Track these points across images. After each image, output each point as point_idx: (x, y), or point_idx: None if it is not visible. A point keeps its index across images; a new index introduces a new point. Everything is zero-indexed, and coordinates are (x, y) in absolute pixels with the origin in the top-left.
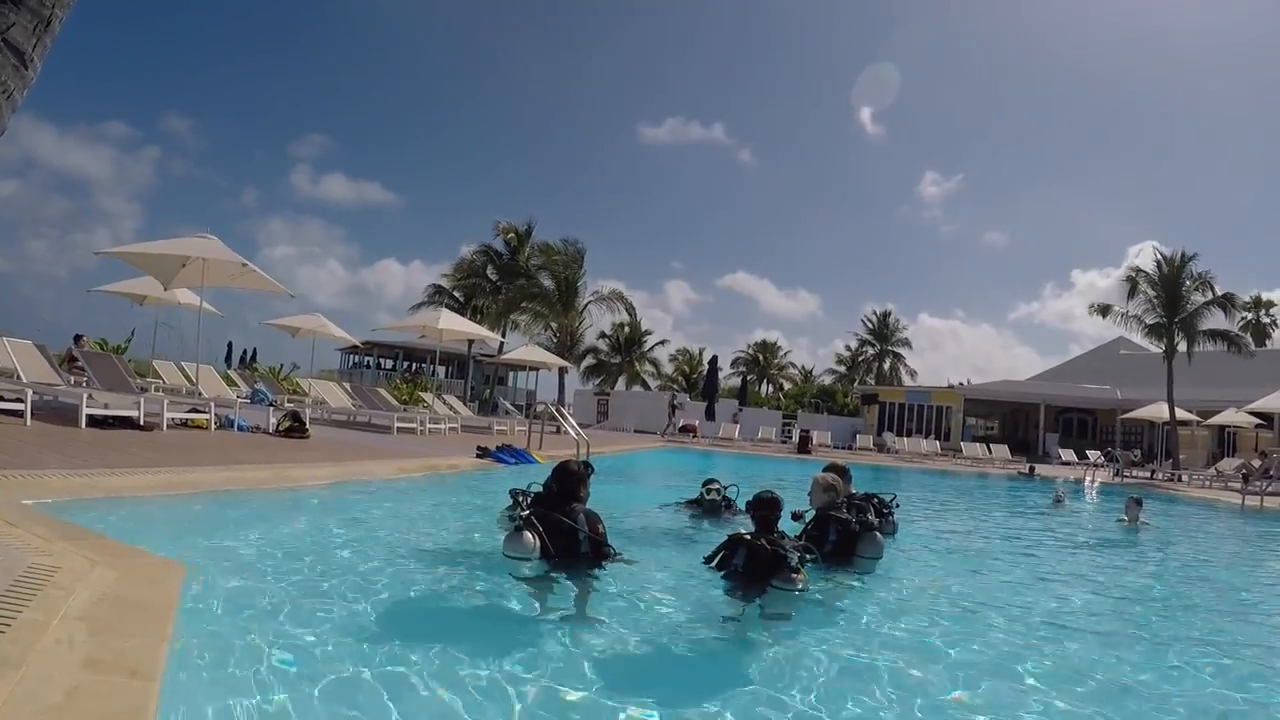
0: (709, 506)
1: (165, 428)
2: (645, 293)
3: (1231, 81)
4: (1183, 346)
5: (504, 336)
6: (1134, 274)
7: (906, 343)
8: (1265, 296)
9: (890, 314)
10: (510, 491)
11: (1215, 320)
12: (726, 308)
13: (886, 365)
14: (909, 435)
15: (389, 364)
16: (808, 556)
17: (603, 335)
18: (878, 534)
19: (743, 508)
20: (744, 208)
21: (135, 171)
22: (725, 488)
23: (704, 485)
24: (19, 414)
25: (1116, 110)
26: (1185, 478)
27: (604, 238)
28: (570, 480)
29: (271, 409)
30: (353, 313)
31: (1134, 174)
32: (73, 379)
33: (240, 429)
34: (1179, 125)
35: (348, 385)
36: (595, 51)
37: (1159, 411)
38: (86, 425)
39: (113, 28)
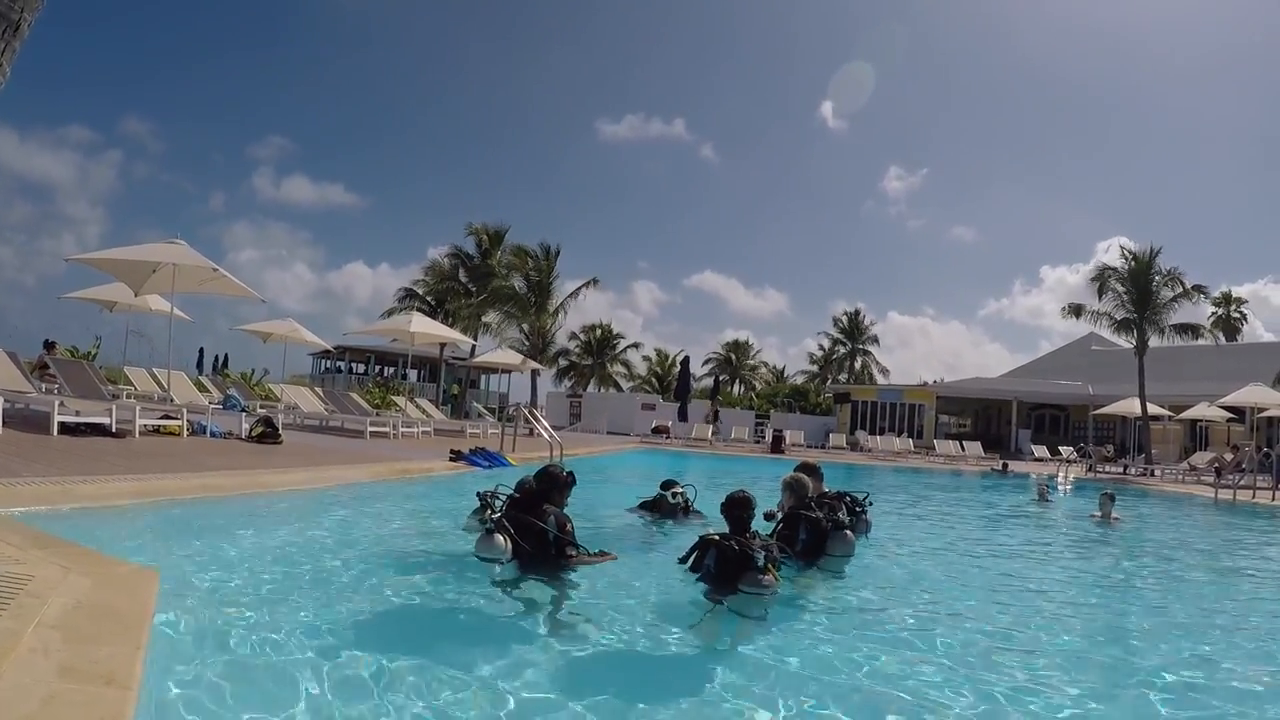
0: (667, 509)
1: (138, 434)
2: (613, 293)
3: (1198, 79)
4: (1154, 341)
5: (475, 339)
6: (1103, 271)
7: (875, 339)
8: (1234, 292)
9: (860, 312)
10: (478, 494)
11: (1184, 314)
12: (695, 307)
13: (858, 364)
14: (882, 434)
15: (361, 368)
16: (779, 556)
17: (574, 336)
18: (848, 532)
19: (700, 509)
20: (708, 205)
21: (98, 176)
22: (683, 489)
23: (661, 487)
24: None
25: (1082, 105)
26: (1158, 472)
27: (569, 237)
28: (550, 482)
29: (244, 415)
30: (322, 316)
31: (1101, 169)
32: (44, 386)
33: (213, 435)
34: (1147, 121)
35: (320, 390)
36: (553, 49)
37: (1131, 407)
38: (58, 433)
39: (69, 29)
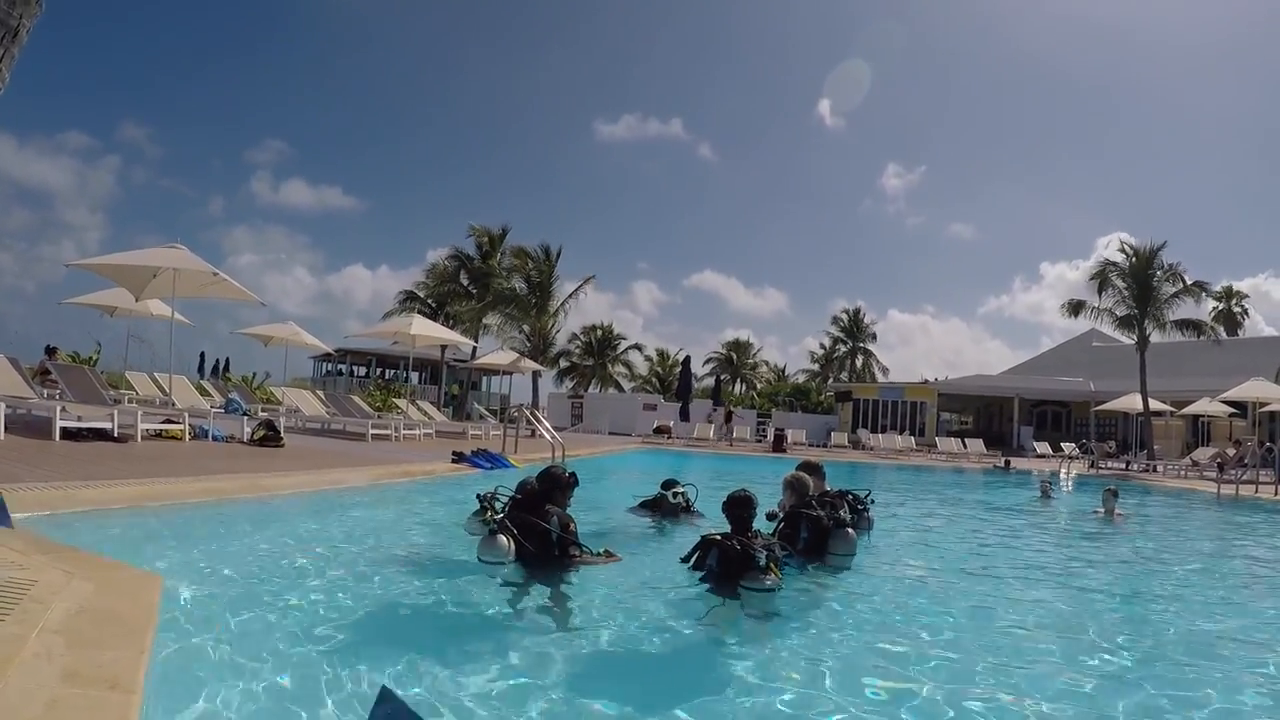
0: (668, 509)
1: (139, 439)
2: (613, 294)
3: (1196, 73)
4: (1155, 337)
5: (477, 341)
6: (1103, 267)
7: (873, 337)
8: (1235, 286)
9: (860, 310)
10: (477, 495)
11: (1186, 310)
12: (695, 307)
13: (859, 362)
14: (884, 431)
15: (362, 371)
16: (781, 555)
17: (574, 337)
18: (850, 530)
19: (701, 509)
20: (707, 205)
21: (97, 182)
22: (684, 488)
23: (662, 486)
24: None
25: (1081, 101)
26: (1160, 468)
27: (568, 238)
28: (553, 483)
29: (246, 418)
30: (322, 320)
31: (1101, 165)
32: (46, 392)
33: (215, 439)
34: (1146, 116)
35: (321, 393)
36: (551, 49)
37: (1132, 403)
38: (60, 438)
39: (65, 34)
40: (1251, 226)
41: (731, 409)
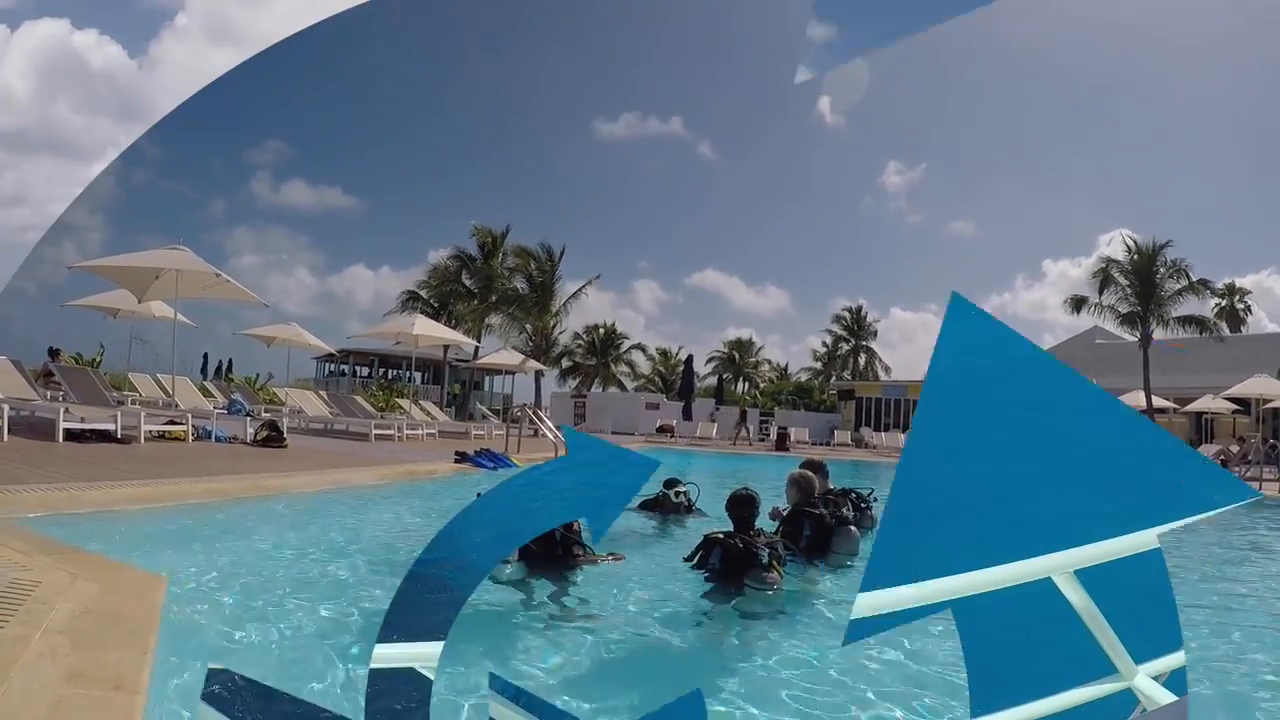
0: (670, 508)
1: (143, 440)
2: (614, 293)
3: (1197, 69)
4: (1158, 334)
5: (479, 341)
6: (1106, 264)
7: (876, 335)
8: (1238, 283)
9: (862, 308)
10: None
11: (1189, 306)
12: (697, 306)
13: (861, 360)
14: (887, 430)
15: (365, 371)
16: (784, 554)
17: (577, 337)
18: (853, 529)
19: (702, 508)
20: (708, 203)
21: (96, 183)
22: (685, 487)
23: (664, 485)
24: None
25: (1081, 96)
26: None
27: (569, 238)
28: None
29: (249, 419)
30: (324, 320)
31: (1101, 162)
32: (49, 394)
33: (218, 440)
34: (1146, 113)
35: (324, 393)
36: (551, 49)
37: (1136, 400)
38: (64, 439)
39: None
40: (1254, 223)
41: (745, 409)
